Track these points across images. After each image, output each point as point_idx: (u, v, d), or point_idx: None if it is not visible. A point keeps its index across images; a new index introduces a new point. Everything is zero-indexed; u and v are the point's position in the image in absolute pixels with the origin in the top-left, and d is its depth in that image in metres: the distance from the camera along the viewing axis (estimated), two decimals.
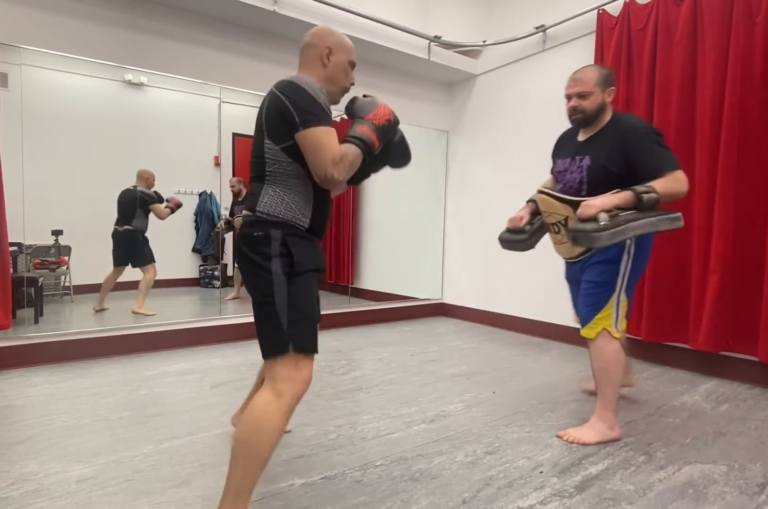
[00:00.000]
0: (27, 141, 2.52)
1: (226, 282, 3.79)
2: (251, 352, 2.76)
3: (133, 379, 2.23)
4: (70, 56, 2.48)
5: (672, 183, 1.49)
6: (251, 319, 3.13)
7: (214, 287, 3.65)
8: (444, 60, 3.56)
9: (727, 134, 2.24)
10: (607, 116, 1.68)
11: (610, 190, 1.53)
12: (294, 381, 1.08)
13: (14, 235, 2.42)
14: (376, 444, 1.60)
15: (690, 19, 2.39)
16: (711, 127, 2.30)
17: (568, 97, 1.70)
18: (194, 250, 3.66)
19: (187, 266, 3.55)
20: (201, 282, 3.66)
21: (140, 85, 3.09)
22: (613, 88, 1.67)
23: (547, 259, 3.21)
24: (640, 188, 1.47)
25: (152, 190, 3.12)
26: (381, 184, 4.11)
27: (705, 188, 2.33)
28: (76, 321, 3.01)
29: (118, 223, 3.00)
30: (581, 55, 3.01)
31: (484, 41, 3.61)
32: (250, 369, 2.43)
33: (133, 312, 3.03)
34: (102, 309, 2.99)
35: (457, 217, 4.02)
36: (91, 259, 3.03)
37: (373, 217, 4.11)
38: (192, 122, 3.38)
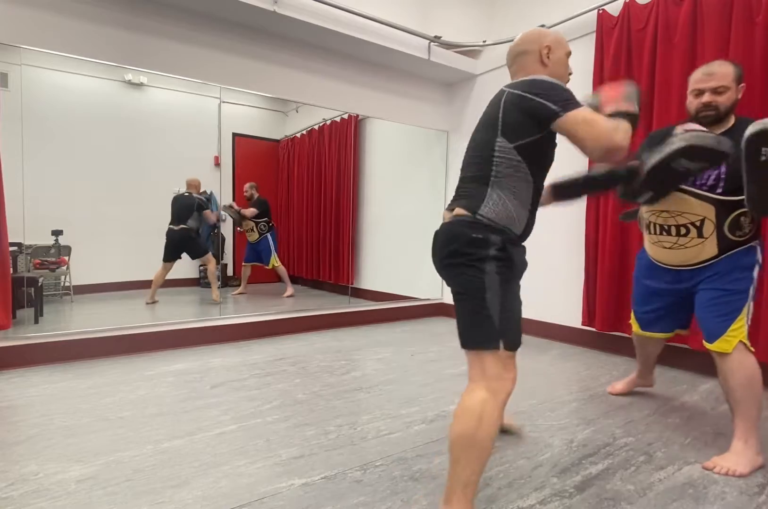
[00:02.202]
0: (27, 141, 2.52)
1: (226, 282, 3.80)
2: (251, 352, 2.76)
3: (133, 379, 2.23)
4: (70, 56, 2.48)
5: None
6: (251, 319, 3.16)
7: None
8: (444, 60, 3.56)
9: None
10: (733, 115, 1.59)
11: (742, 187, 1.42)
12: (505, 380, 1.13)
13: (14, 235, 2.42)
14: (376, 444, 1.60)
15: (690, 19, 2.39)
16: None
17: (700, 92, 1.57)
18: None
19: (187, 266, 3.55)
20: (201, 282, 3.67)
21: (140, 85, 3.09)
22: (744, 85, 1.60)
23: (546, 260, 3.21)
24: None
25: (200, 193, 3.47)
26: (381, 184, 4.11)
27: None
28: (76, 321, 3.01)
29: (173, 222, 3.31)
30: (581, 55, 3.01)
31: (484, 41, 3.61)
32: (250, 369, 2.43)
33: (213, 302, 3.41)
34: (153, 302, 3.26)
35: None
36: (91, 259, 3.03)
37: (373, 217, 4.11)
38: (192, 122, 3.38)
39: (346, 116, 3.85)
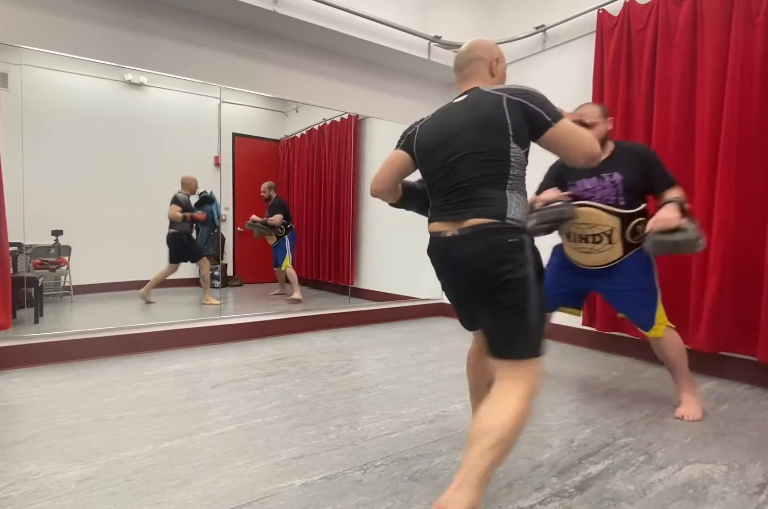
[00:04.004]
0: (27, 141, 2.52)
1: (226, 282, 3.80)
2: (251, 352, 2.76)
3: (133, 379, 2.23)
4: (70, 56, 2.48)
5: (682, 193, 1.79)
6: (251, 319, 3.16)
7: (214, 287, 3.65)
8: (444, 60, 3.56)
9: (726, 134, 2.23)
10: (610, 142, 1.95)
11: (640, 199, 1.86)
12: (539, 384, 1.17)
13: (14, 235, 2.42)
14: (376, 444, 1.60)
15: (690, 19, 2.39)
16: (711, 127, 2.30)
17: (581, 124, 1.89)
18: None
19: (187, 266, 3.54)
20: (201, 282, 3.66)
21: (140, 85, 3.09)
22: (612, 118, 2.00)
23: (546, 259, 3.21)
24: (675, 198, 1.74)
25: (198, 193, 3.42)
26: None
27: (704, 188, 2.33)
28: (76, 321, 3.01)
29: (169, 226, 3.31)
30: (581, 55, 3.01)
31: None
32: (250, 369, 2.43)
33: (203, 304, 3.41)
34: (148, 302, 3.25)
35: None
36: (91, 259, 3.03)
37: (373, 217, 4.10)
38: (192, 122, 3.38)
39: (346, 116, 3.85)
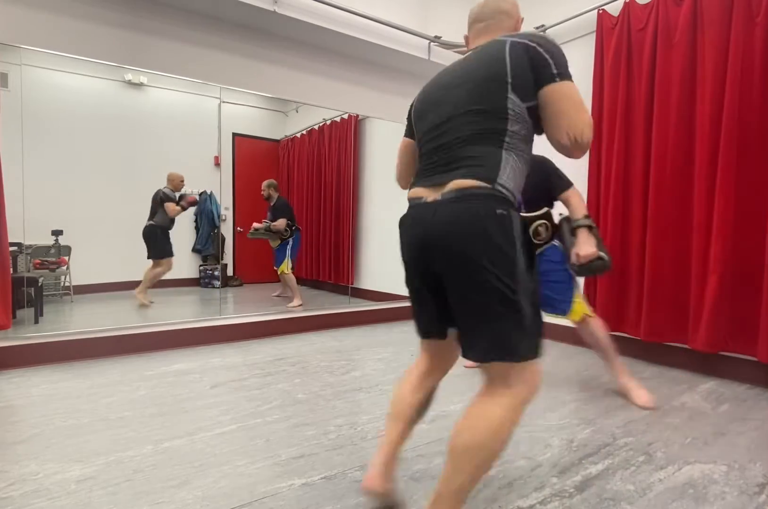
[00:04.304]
0: (27, 141, 2.52)
1: (226, 282, 3.80)
2: (251, 352, 2.76)
3: (133, 379, 2.23)
4: (70, 56, 2.48)
5: (579, 196, 2.04)
6: (251, 319, 3.16)
7: (214, 287, 3.66)
8: (444, 60, 3.56)
9: (726, 134, 2.23)
10: None
11: (541, 203, 2.12)
12: (536, 390, 1.00)
13: (14, 235, 2.42)
14: (376, 444, 1.60)
15: (690, 19, 2.39)
16: (711, 127, 2.31)
17: None
18: (194, 250, 3.66)
19: (187, 266, 3.55)
20: (201, 282, 3.67)
21: (140, 85, 3.09)
22: None
23: None
24: (583, 222, 1.96)
25: (181, 192, 3.33)
26: (381, 184, 4.11)
27: (704, 187, 2.33)
28: (76, 321, 3.01)
29: (148, 218, 3.21)
30: (581, 55, 3.01)
31: None
32: (250, 369, 2.43)
33: (136, 295, 3.21)
34: (145, 303, 3.21)
35: None
36: (91, 259, 3.03)
37: (373, 217, 4.11)
38: (192, 122, 3.38)
39: (346, 116, 3.85)
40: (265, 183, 3.68)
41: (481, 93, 0.98)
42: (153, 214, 3.21)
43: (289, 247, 3.73)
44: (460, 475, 0.95)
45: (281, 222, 3.63)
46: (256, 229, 3.62)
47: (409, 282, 1.14)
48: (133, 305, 3.22)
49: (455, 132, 1.00)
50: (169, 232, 3.32)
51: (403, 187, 1.35)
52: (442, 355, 1.20)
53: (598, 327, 2.07)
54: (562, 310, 2.08)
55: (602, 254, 1.90)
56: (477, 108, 0.98)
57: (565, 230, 2.01)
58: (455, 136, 1.00)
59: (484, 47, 1.03)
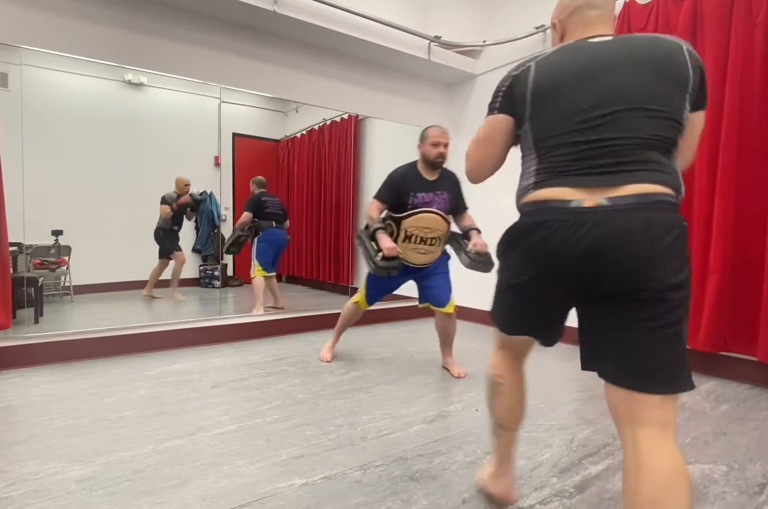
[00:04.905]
0: (27, 141, 2.52)
1: (226, 282, 3.80)
2: (251, 352, 2.76)
3: (133, 379, 2.23)
4: (70, 56, 2.48)
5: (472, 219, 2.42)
6: (251, 319, 3.16)
7: (214, 287, 3.66)
8: (444, 60, 3.56)
9: (726, 134, 2.24)
10: None
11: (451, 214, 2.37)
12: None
13: (14, 235, 2.42)
14: (376, 444, 1.60)
15: (690, 19, 2.39)
16: (711, 127, 2.30)
17: (438, 145, 2.20)
18: (194, 250, 3.67)
19: (187, 266, 3.55)
20: (201, 282, 3.67)
21: (140, 85, 3.09)
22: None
23: None
24: (476, 227, 2.33)
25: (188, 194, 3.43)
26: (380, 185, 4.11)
27: (704, 188, 2.33)
28: (76, 321, 3.02)
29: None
30: None
31: (484, 41, 3.61)
32: (250, 369, 2.43)
33: (172, 293, 3.43)
34: (151, 297, 3.34)
35: None
36: (91, 259, 3.03)
37: None
38: (192, 122, 3.38)
39: (346, 116, 3.85)
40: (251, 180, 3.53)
41: (664, 94, 0.86)
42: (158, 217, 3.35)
43: (254, 248, 3.37)
44: None
45: (243, 216, 3.32)
46: (228, 245, 3.32)
47: (531, 295, 0.99)
48: (132, 305, 3.23)
49: (628, 129, 0.85)
50: (175, 230, 3.40)
51: (482, 179, 1.12)
52: (529, 344, 1.14)
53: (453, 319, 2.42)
54: (443, 302, 2.38)
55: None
56: (656, 108, 0.86)
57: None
58: (627, 135, 0.85)
59: (645, 38, 0.91)
